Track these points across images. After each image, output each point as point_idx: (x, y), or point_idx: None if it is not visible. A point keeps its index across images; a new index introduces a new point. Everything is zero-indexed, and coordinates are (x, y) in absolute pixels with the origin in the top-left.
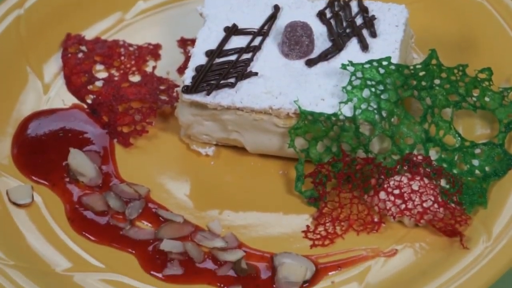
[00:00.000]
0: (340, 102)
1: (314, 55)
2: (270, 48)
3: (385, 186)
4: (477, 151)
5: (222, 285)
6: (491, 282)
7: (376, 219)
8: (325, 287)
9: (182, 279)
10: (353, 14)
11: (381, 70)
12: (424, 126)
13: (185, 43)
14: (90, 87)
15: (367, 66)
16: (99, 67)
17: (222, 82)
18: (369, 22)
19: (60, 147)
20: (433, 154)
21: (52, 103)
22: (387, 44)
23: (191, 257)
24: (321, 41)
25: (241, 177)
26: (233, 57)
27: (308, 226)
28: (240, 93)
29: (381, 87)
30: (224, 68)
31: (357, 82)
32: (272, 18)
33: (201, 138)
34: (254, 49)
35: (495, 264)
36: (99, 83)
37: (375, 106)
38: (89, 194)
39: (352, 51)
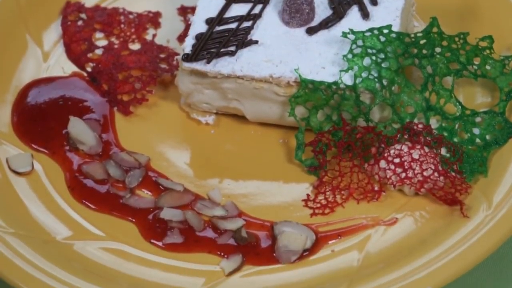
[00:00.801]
0: (341, 71)
1: (314, 23)
2: (271, 16)
3: (386, 154)
4: (478, 119)
5: (222, 254)
6: (492, 250)
7: (376, 188)
8: (325, 256)
9: (182, 247)
10: None
11: (382, 38)
12: (425, 95)
13: (185, 11)
14: (90, 55)
15: (367, 34)
16: (98, 35)
17: (222, 50)
18: None
19: (60, 115)
20: (434, 122)
21: (52, 71)
22: (388, 12)
23: (191, 225)
24: (322, 9)
25: (241, 146)
26: (233, 25)
27: (308, 195)
28: (240, 61)
29: (381, 56)
30: (224, 36)
31: (357, 51)
32: None
33: (201, 106)
34: (254, 17)
35: (495, 232)
36: (99, 51)
37: (375, 75)
38: (89, 163)
39: (352, 19)
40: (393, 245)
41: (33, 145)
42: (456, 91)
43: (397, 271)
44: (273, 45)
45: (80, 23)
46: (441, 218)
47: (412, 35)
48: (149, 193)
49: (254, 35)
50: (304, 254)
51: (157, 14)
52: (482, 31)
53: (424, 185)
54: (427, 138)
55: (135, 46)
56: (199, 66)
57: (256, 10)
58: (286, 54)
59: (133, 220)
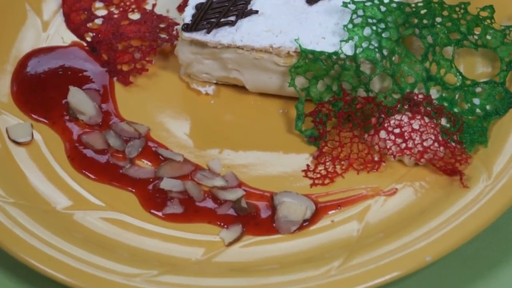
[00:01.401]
0: (341, 41)
1: None
2: None
3: (386, 125)
4: (478, 89)
5: (222, 224)
6: (491, 221)
7: (376, 158)
8: (325, 226)
9: (182, 217)
10: None
11: (383, 8)
12: (425, 65)
13: None
14: (89, 24)
15: (368, 4)
16: (98, 4)
17: (222, 20)
18: None
19: (60, 85)
20: (434, 93)
21: (51, 40)
22: None
23: (191, 196)
24: None
25: (241, 116)
26: None
27: (308, 165)
28: (240, 31)
29: (382, 26)
30: (224, 6)
31: (358, 21)
32: None
33: (201, 76)
34: None
35: (495, 202)
36: (98, 21)
37: (376, 45)
38: (88, 133)
39: None
40: (393, 215)
41: (32, 115)
42: (457, 61)
43: (396, 241)
44: (273, 15)
45: None
46: (441, 188)
47: (413, 5)
48: (149, 163)
49: (254, 5)
50: (304, 224)
51: None
52: (483, 1)
53: (424, 155)
54: (427, 108)
55: (135, 16)
56: (199, 36)
57: None
58: (286, 24)
59: (133, 190)
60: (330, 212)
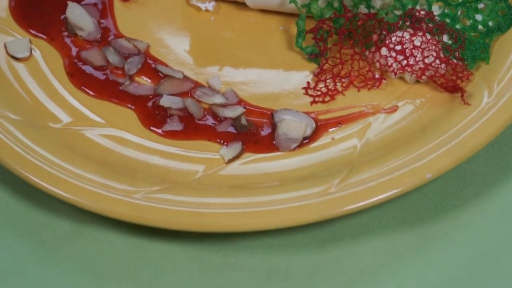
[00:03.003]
0: None
1: None
2: None
3: (387, 42)
4: (481, 5)
5: (221, 141)
6: (492, 137)
7: (377, 75)
8: (325, 144)
9: (181, 135)
10: None
11: None
12: None
13: None
14: None
15: None
16: None
17: None
18: None
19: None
20: (436, 9)
21: None
22: None
23: (191, 113)
24: None
25: (241, 33)
26: None
27: (308, 83)
28: None
29: None
30: None
31: None
32: None
33: None
34: None
35: (496, 120)
36: None
37: None
38: (88, 49)
39: None
40: (393, 132)
41: (31, 31)
42: None
43: (397, 159)
44: None
45: None
46: (441, 105)
47: None
48: (149, 80)
49: None
50: (304, 142)
51: None
52: None
53: (426, 72)
54: (429, 24)
55: None
56: None
57: None
58: None
59: (132, 107)
60: (330, 130)
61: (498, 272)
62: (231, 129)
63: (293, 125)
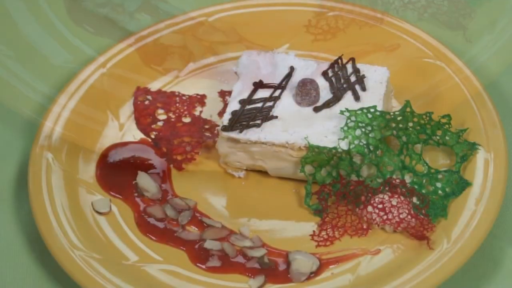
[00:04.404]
0: (339, 139)
1: (319, 103)
2: (287, 98)
3: (372, 202)
4: (440, 176)
5: (249, 275)
6: (450, 274)
7: (365, 226)
8: (327, 277)
9: (220, 269)
10: (348, 73)
11: (369, 115)
12: (401, 157)
13: (224, 94)
14: (153, 126)
15: (359, 112)
16: (160, 111)
17: (251, 123)
18: (360, 80)
19: (131, 170)
20: (408, 178)
21: (125, 137)
22: (374, 96)
23: (227, 253)
24: (325, 93)
25: (264, 194)
26: (259, 105)
27: (314, 231)
28: (264, 131)
29: (369, 128)
30: (253, 112)
31: (351, 124)
32: (288, 76)
33: (235, 164)
34: (275, 99)
35: (453, 261)
36: (160, 123)
37: (364, 142)
38: (151, 206)
39: (347, 101)
40: (377, 269)
41: (111, 193)
42: (424, 155)
43: None
44: (288, 119)
45: (146, 102)
46: (413, 249)
47: (392, 113)
48: (196, 228)
49: (274, 112)
50: (311, 275)
51: (203, 96)
52: (443, 111)
53: (400, 225)
54: (403, 189)
55: (187, 120)
56: (233, 134)
57: (276, 93)
58: (298, 126)
59: (184, 248)
60: (330, 266)
61: None
62: (256, 266)
63: (303, 263)
